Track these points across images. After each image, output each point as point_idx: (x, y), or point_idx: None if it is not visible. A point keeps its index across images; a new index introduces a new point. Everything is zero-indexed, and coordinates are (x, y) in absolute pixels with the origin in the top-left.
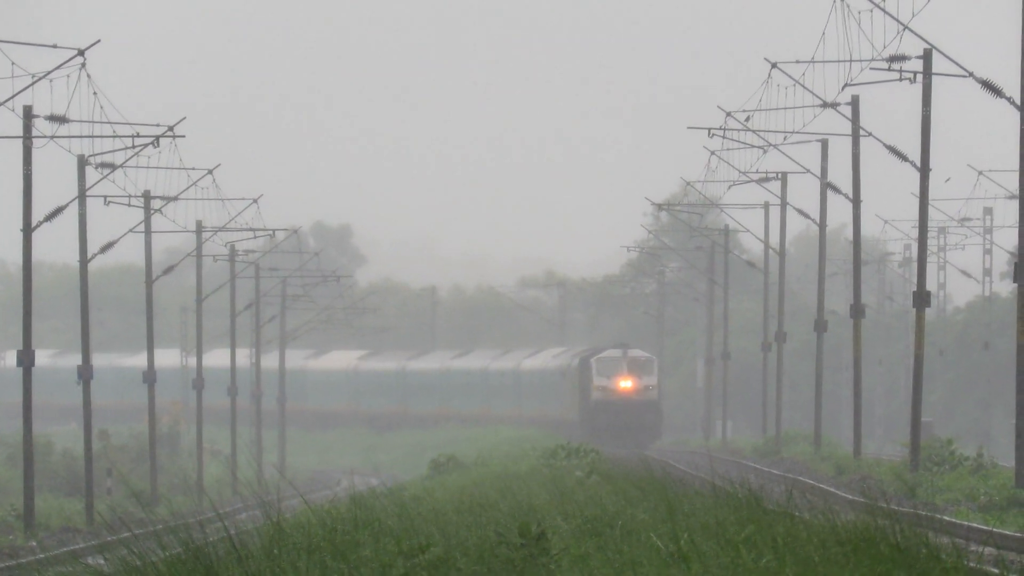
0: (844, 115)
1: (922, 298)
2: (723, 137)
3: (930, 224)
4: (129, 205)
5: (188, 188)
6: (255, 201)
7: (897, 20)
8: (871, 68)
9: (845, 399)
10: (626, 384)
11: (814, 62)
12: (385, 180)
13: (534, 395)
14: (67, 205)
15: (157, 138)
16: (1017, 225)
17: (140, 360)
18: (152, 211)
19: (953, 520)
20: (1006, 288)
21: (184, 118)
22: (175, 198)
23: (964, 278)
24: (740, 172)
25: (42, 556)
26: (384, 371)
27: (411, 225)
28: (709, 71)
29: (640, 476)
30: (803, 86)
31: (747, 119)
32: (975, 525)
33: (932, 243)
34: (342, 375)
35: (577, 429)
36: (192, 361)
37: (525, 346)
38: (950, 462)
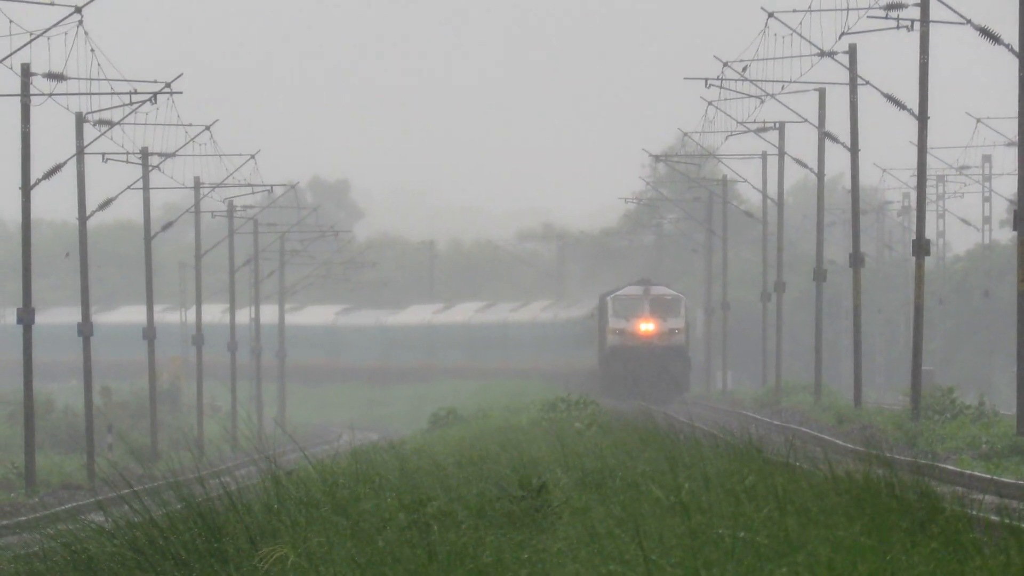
0: (841, 64)
1: (921, 246)
2: (720, 87)
3: (929, 172)
4: (127, 162)
5: (186, 144)
6: (253, 157)
7: None
8: (868, 16)
9: (845, 348)
10: (647, 327)
11: (811, 11)
12: (381, 132)
13: (566, 345)
14: (65, 163)
15: (155, 95)
16: (1016, 172)
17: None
18: (150, 168)
19: (955, 469)
20: (1005, 236)
21: (181, 74)
22: (173, 154)
23: (963, 226)
24: (738, 122)
25: (43, 513)
26: (414, 325)
27: (406, 176)
28: (706, 21)
29: (640, 427)
30: (800, 35)
31: (744, 69)
32: (977, 473)
33: (931, 191)
34: (375, 331)
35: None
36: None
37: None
38: (951, 410)
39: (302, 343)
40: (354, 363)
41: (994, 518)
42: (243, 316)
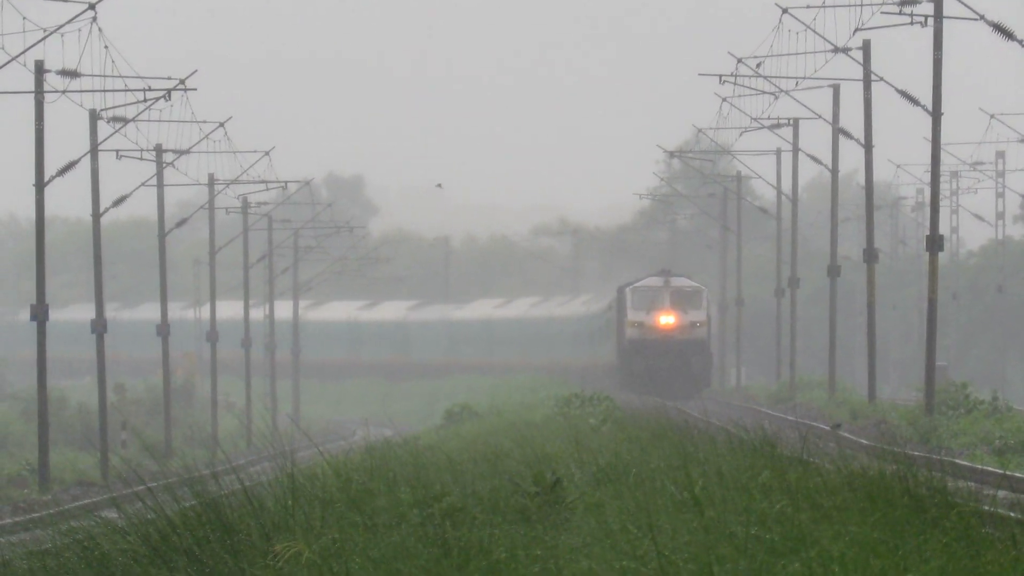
0: (855, 60)
1: (935, 242)
2: (734, 84)
3: (943, 168)
4: (141, 159)
5: (200, 141)
6: (267, 153)
7: None
8: (882, 12)
9: (859, 344)
10: (667, 320)
11: (825, 7)
12: (396, 128)
13: (587, 341)
14: (79, 159)
15: (168, 91)
16: None
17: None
18: (164, 164)
19: (968, 464)
20: (1019, 231)
21: (195, 71)
22: (187, 151)
23: (977, 222)
24: (752, 118)
25: (57, 510)
26: (474, 320)
27: (422, 173)
28: (720, 17)
29: (654, 423)
30: (814, 31)
31: (758, 65)
32: (990, 469)
33: (945, 187)
34: (441, 326)
35: (616, 375)
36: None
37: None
38: (965, 406)
39: (375, 339)
40: (423, 359)
41: (1007, 513)
42: (282, 311)
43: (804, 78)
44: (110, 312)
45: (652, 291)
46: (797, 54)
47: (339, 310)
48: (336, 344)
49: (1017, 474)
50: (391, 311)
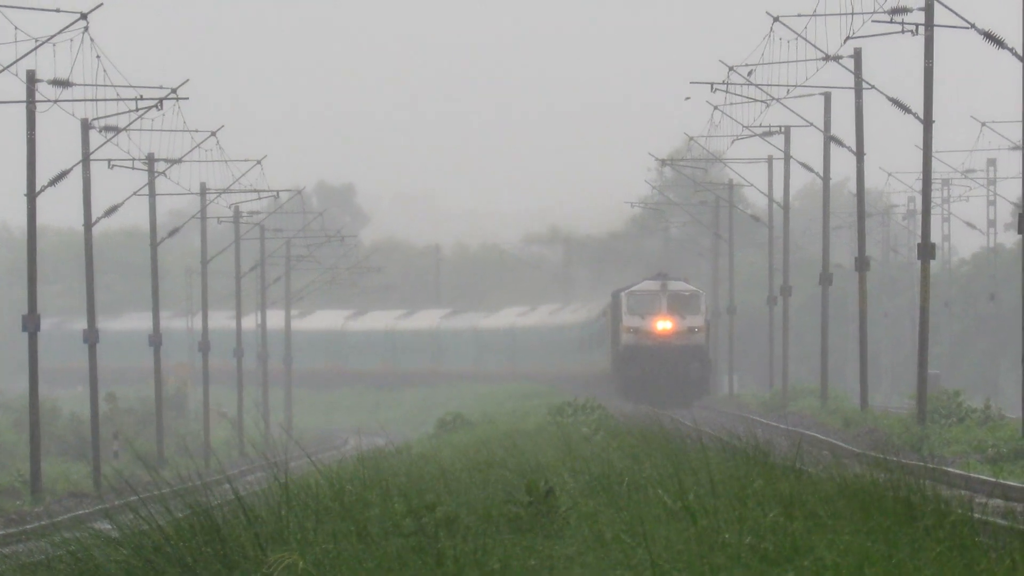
0: (847, 68)
1: (927, 250)
2: (726, 92)
3: (934, 176)
4: (133, 168)
5: (192, 150)
6: (259, 162)
7: None
8: (873, 20)
9: (851, 352)
10: (664, 325)
11: (816, 15)
12: (387, 136)
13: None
14: (71, 169)
15: (160, 100)
16: (1020, 176)
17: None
18: (156, 174)
19: (961, 472)
20: (1011, 239)
21: (187, 80)
22: (179, 160)
23: (968, 230)
24: (743, 126)
25: (49, 521)
26: (498, 329)
27: (413, 181)
28: (711, 25)
29: (647, 432)
30: (805, 39)
31: (750, 73)
32: (983, 477)
33: (936, 195)
34: (470, 335)
35: (610, 382)
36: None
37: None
38: (957, 414)
39: (409, 349)
40: (453, 367)
41: (1000, 522)
42: (316, 322)
43: (796, 86)
44: (164, 321)
45: (648, 295)
46: (788, 62)
47: (379, 320)
48: (374, 354)
49: (1010, 482)
50: (426, 320)
